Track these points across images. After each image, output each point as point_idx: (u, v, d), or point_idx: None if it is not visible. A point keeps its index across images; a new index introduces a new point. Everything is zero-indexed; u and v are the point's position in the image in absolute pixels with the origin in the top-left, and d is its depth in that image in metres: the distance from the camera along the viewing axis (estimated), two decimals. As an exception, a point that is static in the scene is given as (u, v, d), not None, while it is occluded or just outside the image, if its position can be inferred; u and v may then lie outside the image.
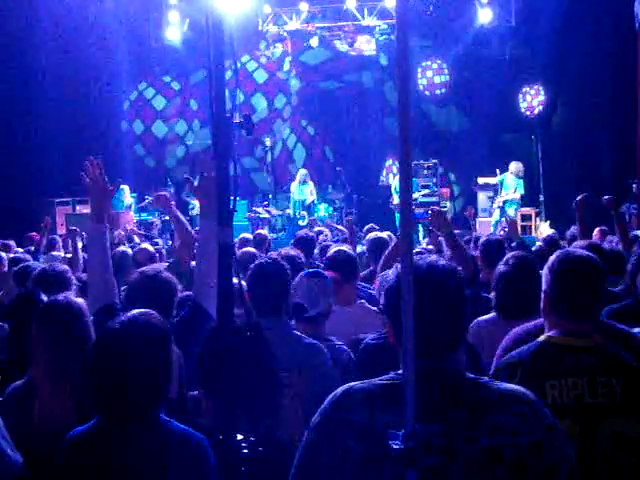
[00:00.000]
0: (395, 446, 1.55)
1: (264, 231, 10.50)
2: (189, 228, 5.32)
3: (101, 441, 2.22)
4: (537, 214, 13.62)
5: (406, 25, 1.57)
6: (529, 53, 15.30)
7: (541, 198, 13.82)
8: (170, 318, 3.35)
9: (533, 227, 13.36)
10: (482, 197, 14.65)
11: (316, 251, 6.74)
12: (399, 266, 1.80)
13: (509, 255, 3.96)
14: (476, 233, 8.10)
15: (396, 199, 13.66)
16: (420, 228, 13.37)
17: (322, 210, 15.02)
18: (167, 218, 14.98)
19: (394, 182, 14.75)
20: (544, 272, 2.59)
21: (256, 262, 3.46)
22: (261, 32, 16.68)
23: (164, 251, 7.45)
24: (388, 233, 7.05)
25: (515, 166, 13.26)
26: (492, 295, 3.87)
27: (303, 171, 15.22)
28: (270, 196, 16.07)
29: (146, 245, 6.86)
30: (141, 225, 13.96)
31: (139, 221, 14.17)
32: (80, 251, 6.72)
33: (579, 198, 5.49)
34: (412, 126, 1.61)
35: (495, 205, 13.54)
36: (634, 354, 2.50)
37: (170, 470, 2.16)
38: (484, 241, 5.58)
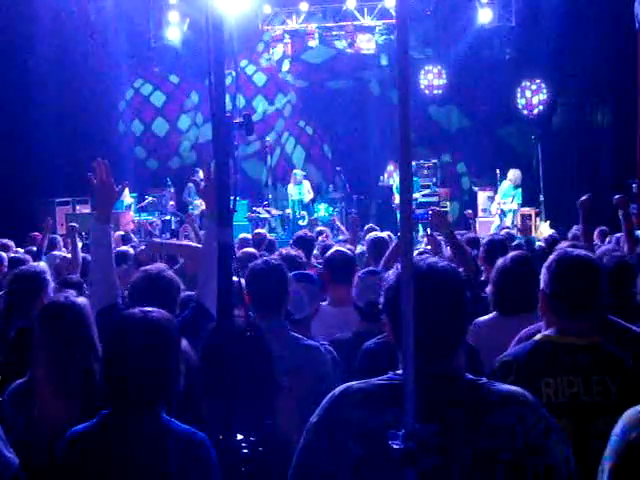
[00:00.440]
0: (395, 446, 1.54)
1: (264, 230, 10.50)
2: (192, 243, 5.33)
3: (102, 440, 2.23)
4: (537, 214, 13.62)
5: (406, 25, 1.58)
6: (529, 53, 15.30)
7: (541, 198, 13.81)
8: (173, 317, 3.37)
9: (533, 227, 13.36)
10: (482, 197, 14.68)
11: (316, 251, 6.74)
12: (399, 266, 1.80)
13: (510, 253, 3.99)
14: (470, 233, 8.09)
15: (397, 199, 13.66)
16: (420, 228, 13.39)
17: (322, 210, 15.03)
18: (167, 218, 15.02)
19: (395, 181, 14.75)
20: (542, 271, 2.60)
21: (254, 263, 3.47)
22: (261, 32, 16.68)
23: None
24: (388, 233, 7.06)
25: (513, 174, 13.20)
26: (488, 290, 3.88)
27: (298, 171, 15.26)
28: (270, 196, 16.07)
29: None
30: (141, 225, 13.95)
31: (139, 221, 14.17)
32: (80, 251, 6.71)
33: (583, 198, 5.48)
34: (413, 126, 1.60)
35: (494, 212, 13.55)
36: (635, 352, 2.51)
37: (172, 470, 2.16)
38: (487, 241, 5.58)
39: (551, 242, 6.75)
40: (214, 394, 2.17)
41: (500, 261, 3.88)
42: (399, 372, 1.82)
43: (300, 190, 14.85)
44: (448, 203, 15.67)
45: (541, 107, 15.76)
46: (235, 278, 2.19)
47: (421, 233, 12.92)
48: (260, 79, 17.57)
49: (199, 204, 13.75)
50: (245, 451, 2.01)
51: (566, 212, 11.17)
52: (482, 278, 5.02)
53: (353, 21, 16.04)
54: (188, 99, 17.56)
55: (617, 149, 13.53)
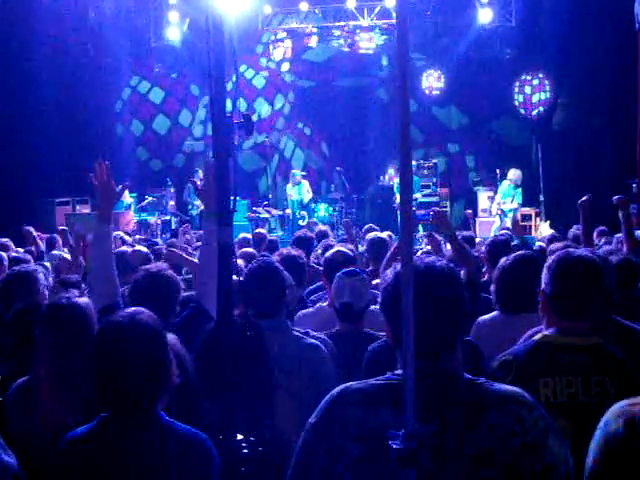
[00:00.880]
0: (395, 446, 1.54)
1: (263, 230, 10.49)
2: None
3: (102, 441, 2.22)
4: (537, 214, 13.62)
5: (406, 25, 1.58)
6: (529, 53, 15.29)
7: (541, 198, 13.81)
8: (173, 316, 3.37)
9: (533, 227, 13.36)
10: (482, 197, 14.68)
11: (319, 251, 6.72)
12: (397, 266, 1.80)
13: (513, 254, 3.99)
14: (464, 232, 8.07)
15: (398, 199, 13.64)
16: (420, 228, 13.39)
17: (322, 210, 15.02)
18: (167, 218, 15.02)
19: (396, 181, 14.75)
20: (543, 271, 2.60)
21: (252, 263, 3.48)
22: (261, 32, 16.67)
23: (165, 250, 7.41)
24: (388, 233, 7.05)
25: (514, 173, 13.19)
26: (492, 288, 3.88)
27: (296, 172, 15.25)
28: (270, 196, 16.07)
29: (140, 247, 6.79)
30: (141, 225, 13.95)
31: (139, 221, 14.16)
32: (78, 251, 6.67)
33: (584, 199, 5.49)
34: (419, 125, 1.61)
35: (494, 212, 13.55)
36: (636, 352, 2.51)
37: (173, 470, 2.16)
38: (490, 242, 5.57)
39: (552, 242, 6.74)
40: (213, 394, 2.17)
41: (503, 260, 3.89)
42: (397, 372, 1.82)
43: (299, 190, 14.86)
44: (448, 203, 15.68)
45: (541, 108, 15.77)
46: (235, 278, 2.19)
47: (421, 233, 12.92)
48: (260, 82, 17.55)
49: (199, 204, 13.75)
50: (245, 451, 2.01)
51: (566, 212, 11.16)
52: (484, 279, 5.02)
53: (353, 21, 16.05)
54: (189, 92, 17.46)
55: (617, 149, 13.53)
